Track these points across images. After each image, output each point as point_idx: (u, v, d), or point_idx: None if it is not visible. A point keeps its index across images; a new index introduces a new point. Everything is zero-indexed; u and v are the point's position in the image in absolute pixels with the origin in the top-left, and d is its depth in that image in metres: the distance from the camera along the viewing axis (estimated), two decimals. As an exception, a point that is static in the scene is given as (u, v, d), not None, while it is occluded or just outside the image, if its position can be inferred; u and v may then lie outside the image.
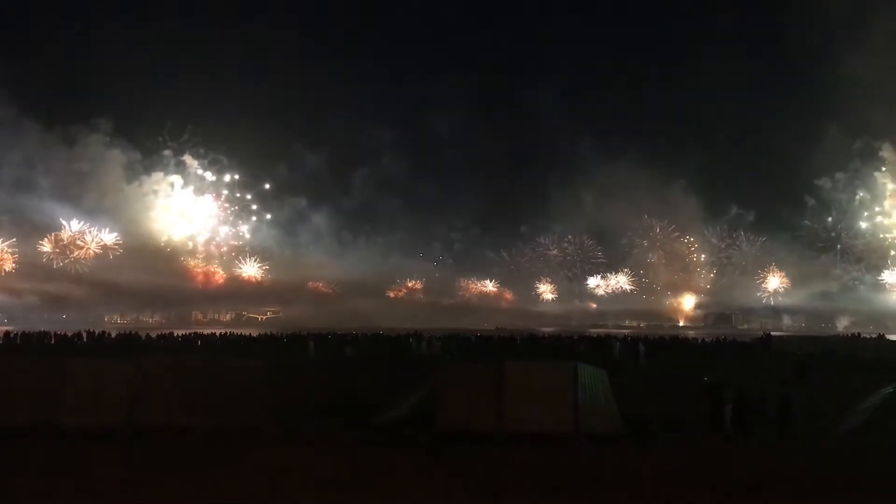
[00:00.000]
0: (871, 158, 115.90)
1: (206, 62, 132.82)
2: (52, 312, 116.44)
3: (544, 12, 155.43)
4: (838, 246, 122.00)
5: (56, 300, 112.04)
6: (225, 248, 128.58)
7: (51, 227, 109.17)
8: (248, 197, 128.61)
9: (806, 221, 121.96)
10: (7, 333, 57.33)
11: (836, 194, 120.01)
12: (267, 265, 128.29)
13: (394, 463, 14.69)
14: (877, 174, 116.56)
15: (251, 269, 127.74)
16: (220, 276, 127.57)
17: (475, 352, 46.65)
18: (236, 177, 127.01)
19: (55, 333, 58.28)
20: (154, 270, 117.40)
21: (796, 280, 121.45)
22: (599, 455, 15.38)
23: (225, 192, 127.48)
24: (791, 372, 26.43)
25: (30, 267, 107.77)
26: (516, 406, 16.59)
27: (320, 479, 13.48)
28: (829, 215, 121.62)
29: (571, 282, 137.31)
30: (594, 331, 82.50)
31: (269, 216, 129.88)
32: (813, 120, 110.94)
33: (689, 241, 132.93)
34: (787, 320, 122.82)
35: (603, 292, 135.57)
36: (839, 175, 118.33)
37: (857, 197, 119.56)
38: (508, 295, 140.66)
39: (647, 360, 40.16)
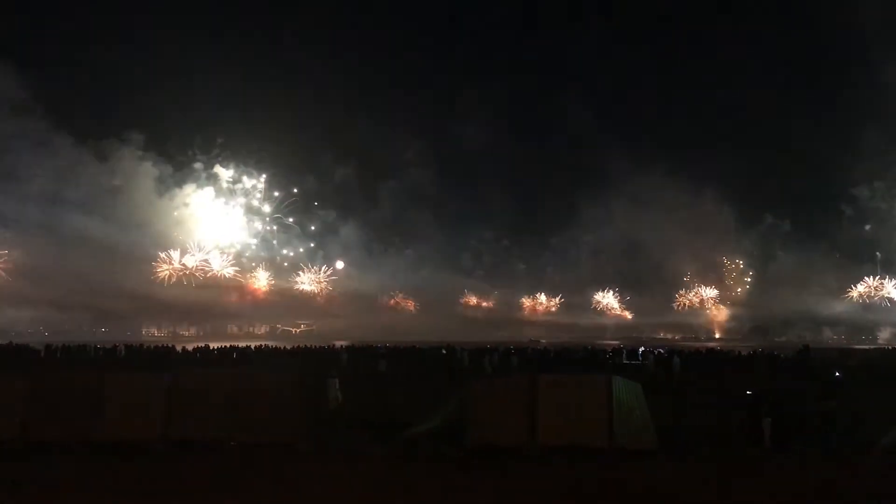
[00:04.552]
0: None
1: (236, 76, 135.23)
2: (92, 326, 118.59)
3: (574, 23, 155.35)
4: (878, 255, 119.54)
5: (95, 313, 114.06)
6: (255, 261, 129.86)
7: (84, 240, 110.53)
8: (279, 209, 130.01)
9: (843, 231, 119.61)
10: (48, 347, 58.46)
11: (874, 203, 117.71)
12: (298, 278, 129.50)
13: (424, 478, 14.65)
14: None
15: (282, 282, 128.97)
16: (252, 288, 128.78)
17: (511, 364, 46.34)
18: (264, 188, 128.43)
19: (94, 347, 59.27)
20: (188, 283, 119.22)
21: (835, 291, 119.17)
22: (634, 470, 15.20)
23: (255, 204, 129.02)
24: (831, 385, 25.88)
25: (66, 281, 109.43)
26: (549, 420, 16.46)
27: (351, 494, 13.50)
28: (868, 224, 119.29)
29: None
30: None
31: (299, 228, 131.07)
32: (850, 127, 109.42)
33: (724, 252, 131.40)
34: (826, 332, 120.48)
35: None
36: (878, 183, 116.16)
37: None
38: (541, 307, 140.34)
39: (682, 373, 39.61)
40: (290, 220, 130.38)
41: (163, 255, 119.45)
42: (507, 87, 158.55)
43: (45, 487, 13.79)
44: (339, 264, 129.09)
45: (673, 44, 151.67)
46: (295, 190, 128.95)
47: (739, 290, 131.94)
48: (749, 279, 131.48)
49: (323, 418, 20.19)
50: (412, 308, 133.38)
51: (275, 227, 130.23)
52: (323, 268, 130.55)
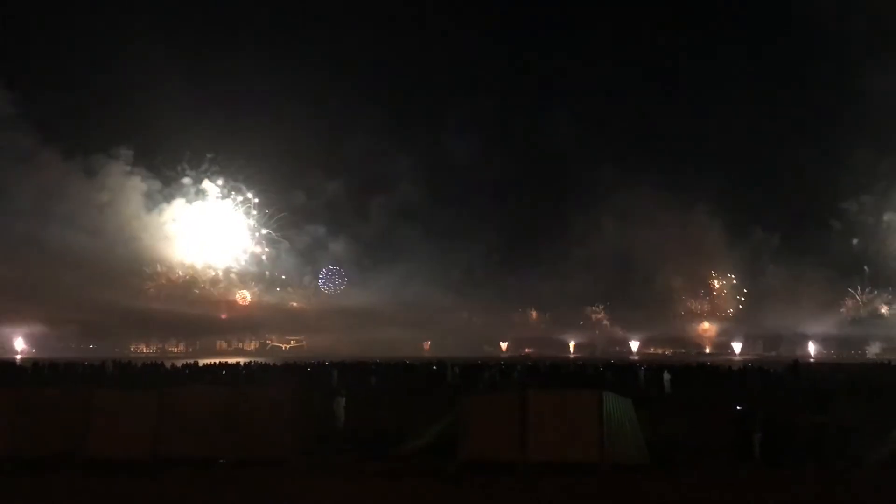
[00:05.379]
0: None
1: (225, 92, 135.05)
2: (80, 342, 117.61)
3: (563, 39, 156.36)
4: (865, 269, 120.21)
5: (83, 329, 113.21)
6: (245, 277, 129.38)
7: (72, 256, 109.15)
8: (268, 225, 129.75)
9: (831, 245, 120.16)
10: (35, 363, 57.90)
11: (862, 217, 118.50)
12: (288, 292, 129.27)
13: (417, 493, 14.59)
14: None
15: (272, 297, 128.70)
16: (242, 304, 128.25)
17: (505, 380, 46.13)
18: (255, 201, 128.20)
19: (82, 363, 58.75)
20: (177, 299, 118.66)
21: (824, 305, 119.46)
22: (625, 485, 15.18)
23: (244, 220, 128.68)
24: (820, 400, 25.97)
25: (54, 297, 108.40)
26: (540, 435, 16.45)
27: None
28: (856, 239, 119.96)
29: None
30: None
31: (288, 244, 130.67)
32: (838, 142, 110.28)
33: (714, 266, 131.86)
34: (815, 347, 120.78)
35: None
36: (865, 198, 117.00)
37: (885, 219, 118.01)
38: (532, 321, 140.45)
39: (673, 389, 39.61)
40: (280, 235, 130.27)
41: (151, 270, 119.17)
42: (496, 102, 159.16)
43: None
44: (329, 279, 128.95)
45: (663, 59, 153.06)
46: (284, 206, 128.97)
47: (730, 306, 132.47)
48: (740, 295, 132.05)
49: (317, 435, 20.04)
50: (402, 323, 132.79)
51: (264, 243, 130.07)
52: (313, 283, 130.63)
